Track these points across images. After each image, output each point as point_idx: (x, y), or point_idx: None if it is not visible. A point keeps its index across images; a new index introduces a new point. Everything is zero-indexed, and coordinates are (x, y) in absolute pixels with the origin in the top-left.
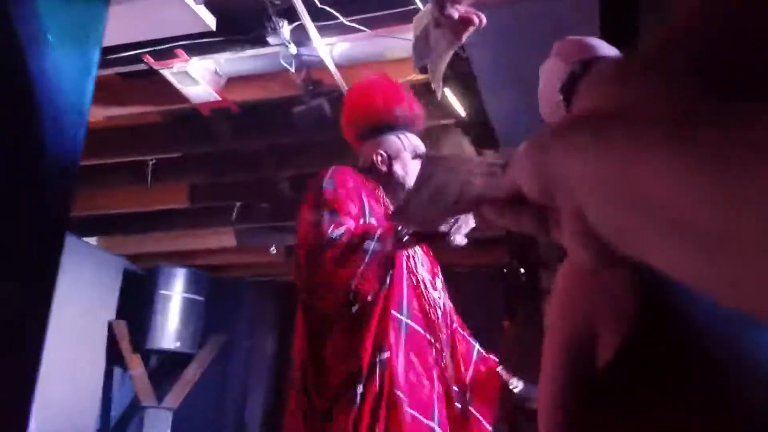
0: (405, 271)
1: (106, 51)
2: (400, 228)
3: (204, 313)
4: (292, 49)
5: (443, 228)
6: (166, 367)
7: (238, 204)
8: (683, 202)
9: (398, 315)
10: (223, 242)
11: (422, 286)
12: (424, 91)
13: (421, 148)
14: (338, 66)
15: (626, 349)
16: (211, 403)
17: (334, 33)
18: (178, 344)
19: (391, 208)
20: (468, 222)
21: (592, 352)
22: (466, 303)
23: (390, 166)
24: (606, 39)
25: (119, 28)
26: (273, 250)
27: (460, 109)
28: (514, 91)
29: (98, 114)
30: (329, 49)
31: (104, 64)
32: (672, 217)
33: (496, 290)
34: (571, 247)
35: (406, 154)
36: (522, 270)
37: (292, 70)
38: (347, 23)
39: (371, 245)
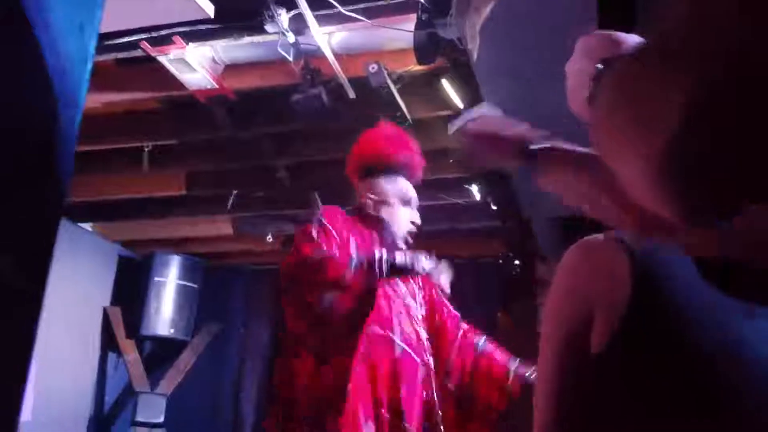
0: (396, 298)
1: (103, 37)
2: (379, 257)
3: (198, 301)
4: (290, 37)
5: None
6: (160, 354)
7: (234, 192)
8: None
9: (393, 336)
10: (220, 230)
11: (411, 313)
12: (423, 82)
13: (410, 194)
14: (337, 55)
15: (621, 333)
16: (205, 390)
17: (333, 22)
18: (172, 331)
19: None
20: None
21: (587, 335)
22: (462, 294)
23: (377, 210)
24: (605, 16)
25: (117, 13)
26: (269, 238)
27: (458, 100)
28: (512, 85)
29: (96, 100)
30: (327, 38)
31: (101, 50)
32: None
33: (492, 281)
34: None
35: (395, 200)
36: (517, 262)
37: (290, 58)
38: (346, 13)
39: (351, 262)
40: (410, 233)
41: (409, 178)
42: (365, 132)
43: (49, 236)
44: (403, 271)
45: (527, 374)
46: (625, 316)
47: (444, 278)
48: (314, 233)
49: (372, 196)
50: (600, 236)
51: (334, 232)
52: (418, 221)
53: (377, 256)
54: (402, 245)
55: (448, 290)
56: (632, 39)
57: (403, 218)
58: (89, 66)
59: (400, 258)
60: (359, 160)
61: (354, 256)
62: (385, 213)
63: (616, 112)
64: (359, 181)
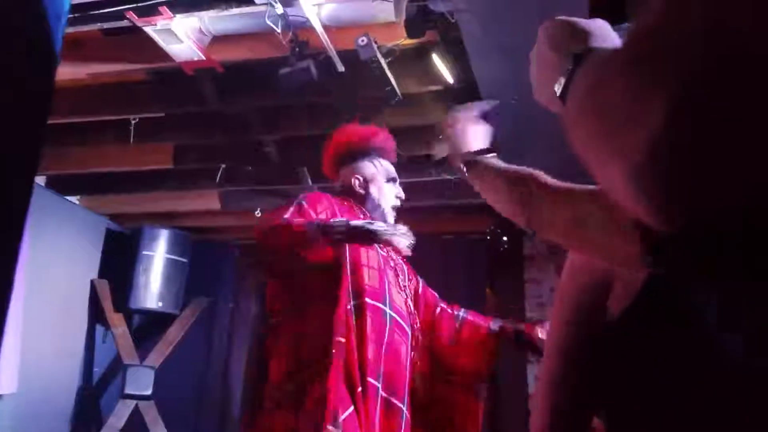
0: (386, 270)
1: (90, 6)
2: (335, 220)
3: (187, 275)
4: (279, 8)
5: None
6: (148, 327)
7: (222, 166)
8: None
9: (382, 306)
10: (208, 204)
11: (400, 287)
12: (414, 56)
13: (393, 172)
14: (326, 27)
15: (637, 304)
16: (193, 363)
17: None
18: (160, 304)
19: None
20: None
21: (601, 302)
22: (450, 269)
23: (366, 188)
24: (596, 8)
25: None
26: (258, 213)
27: (448, 75)
28: (502, 59)
29: (82, 71)
30: (316, 10)
31: (87, 19)
32: None
33: (479, 257)
34: None
35: (381, 178)
36: (505, 238)
37: (278, 30)
38: None
39: (310, 225)
40: (395, 208)
41: (390, 161)
42: (338, 130)
43: (27, 185)
44: (363, 235)
45: (509, 328)
46: (642, 289)
47: (403, 242)
48: (289, 209)
49: (359, 177)
50: None
51: (311, 211)
52: (403, 195)
53: (335, 220)
54: (391, 219)
55: (406, 253)
56: (597, 28)
57: (390, 194)
58: (64, 21)
59: (357, 222)
60: (339, 149)
61: (315, 221)
62: (373, 191)
63: (592, 113)
64: (342, 167)
